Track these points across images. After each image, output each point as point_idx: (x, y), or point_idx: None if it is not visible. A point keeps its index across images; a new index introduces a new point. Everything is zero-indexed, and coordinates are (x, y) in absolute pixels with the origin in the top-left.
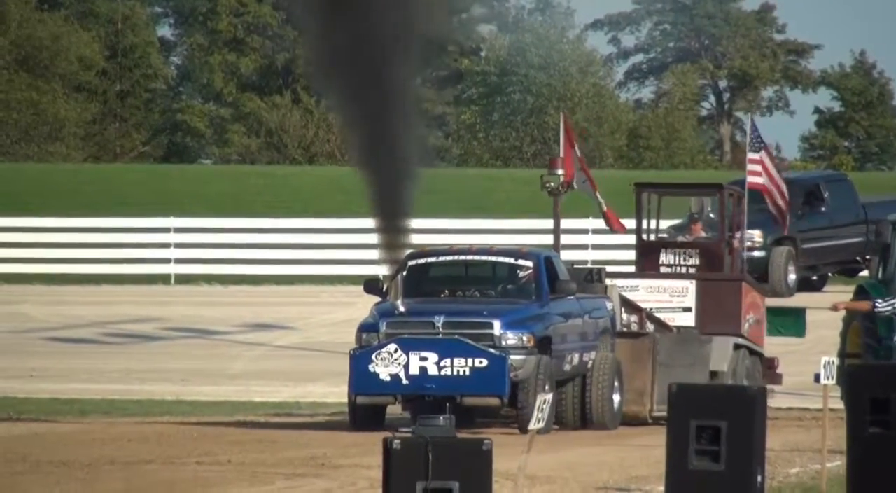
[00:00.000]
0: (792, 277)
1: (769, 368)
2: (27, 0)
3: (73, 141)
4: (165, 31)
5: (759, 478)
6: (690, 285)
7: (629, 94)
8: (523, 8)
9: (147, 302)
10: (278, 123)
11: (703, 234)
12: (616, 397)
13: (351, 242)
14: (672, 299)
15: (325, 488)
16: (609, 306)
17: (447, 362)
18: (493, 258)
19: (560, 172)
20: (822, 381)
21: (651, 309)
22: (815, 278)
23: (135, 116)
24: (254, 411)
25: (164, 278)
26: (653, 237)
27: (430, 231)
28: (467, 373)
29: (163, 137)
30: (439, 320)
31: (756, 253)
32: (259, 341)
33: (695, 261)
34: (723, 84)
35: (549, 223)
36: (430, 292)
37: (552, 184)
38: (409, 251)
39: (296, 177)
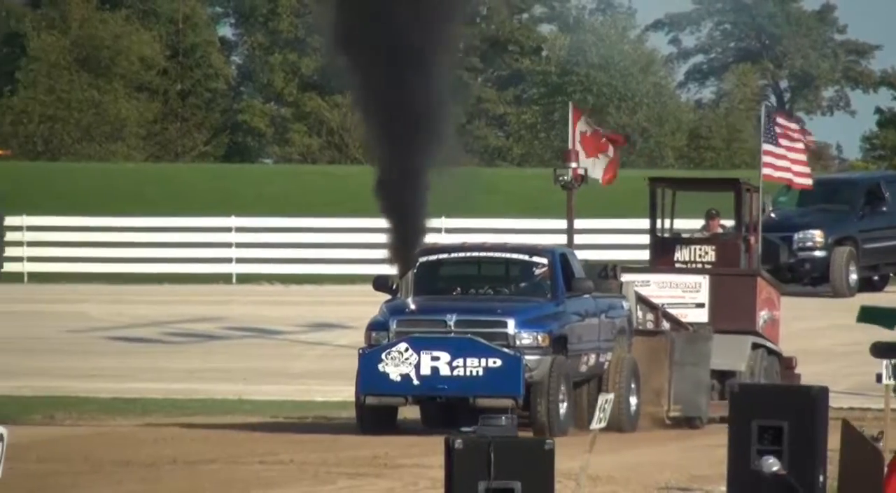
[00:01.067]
0: (853, 277)
1: (788, 367)
2: (89, 0)
3: (134, 140)
4: (226, 30)
5: (820, 478)
6: (703, 281)
7: (690, 94)
8: (584, 8)
9: (208, 301)
10: (339, 122)
11: (720, 230)
12: (633, 400)
13: None
14: (685, 294)
15: (388, 487)
16: (626, 305)
17: (460, 361)
18: (507, 255)
19: (573, 165)
20: (884, 381)
21: (663, 305)
22: (876, 278)
23: (195, 115)
24: (315, 410)
25: (225, 278)
26: (667, 234)
27: (491, 231)
28: (481, 373)
29: (223, 136)
30: (451, 319)
31: (817, 253)
32: (320, 341)
33: (711, 258)
34: (783, 84)
35: (600, 223)
36: (441, 290)
37: (565, 177)
38: (420, 248)
39: (356, 176)
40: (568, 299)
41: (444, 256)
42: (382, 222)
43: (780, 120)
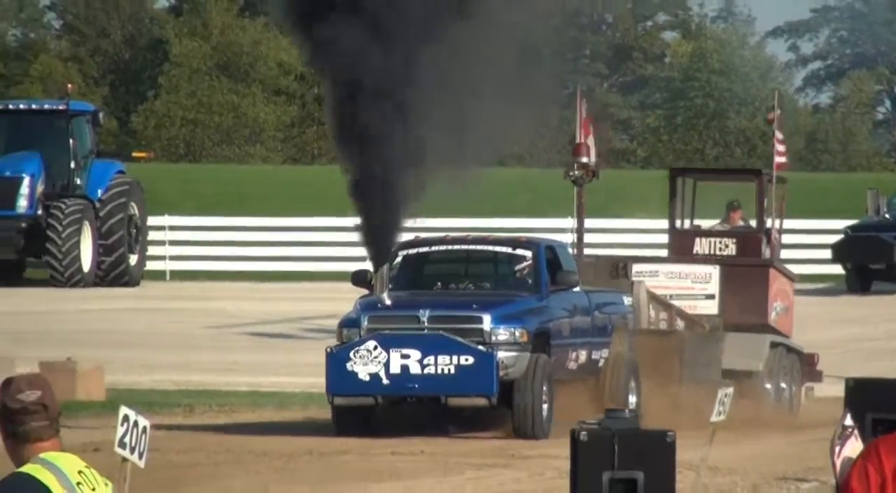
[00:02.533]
0: None
1: (809, 365)
2: (228, 8)
3: (271, 143)
4: None
5: None
6: (714, 271)
7: (807, 99)
8: (706, 16)
9: (341, 299)
10: None
11: (741, 223)
12: (633, 398)
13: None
14: (694, 285)
15: (515, 478)
16: (626, 300)
17: (431, 359)
18: (490, 248)
19: (584, 160)
20: None
21: (670, 296)
22: None
23: None
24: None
25: None
26: (687, 225)
27: (611, 231)
28: (452, 371)
29: None
30: (425, 315)
31: None
32: None
33: (731, 251)
34: None
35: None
36: (422, 285)
37: (576, 172)
38: (400, 241)
39: (485, 178)
40: (553, 293)
41: (425, 249)
42: (512, 223)
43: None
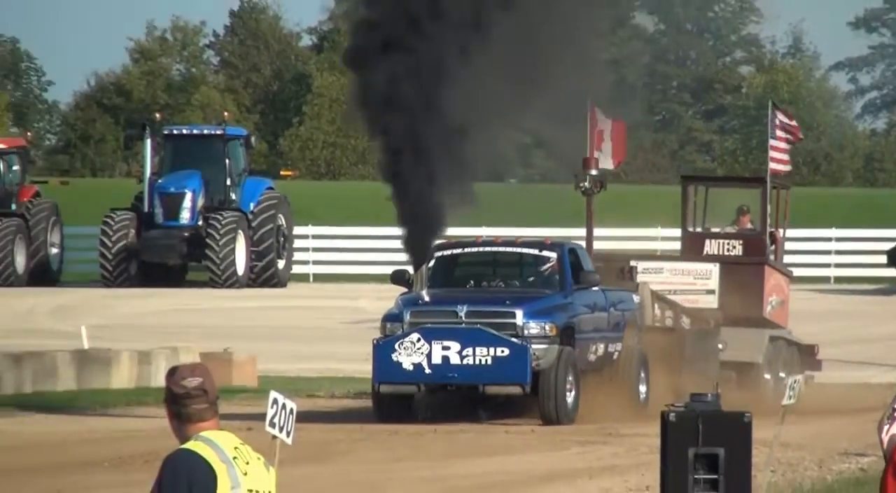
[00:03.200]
0: None
1: (809, 355)
2: None
3: None
4: None
5: None
6: (714, 269)
7: (866, 124)
8: (777, 52)
9: None
10: None
11: (749, 226)
12: (643, 388)
13: None
14: (696, 281)
15: (613, 452)
16: (636, 299)
17: (469, 351)
18: (518, 249)
19: (594, 172)
20: None
21: (674, 291)
22: None
23: None
24: None
25: None
26: (699, 229)
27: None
28: (489, 362)
29: None
30: (462, 310)
31: None
32: None
33: (738, 252)
34: None
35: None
36: (455, 283)
37: (586, 184)
38: (436, 243)
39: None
40: (576, 291)
41: (459, 250)
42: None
43: (780, 116)
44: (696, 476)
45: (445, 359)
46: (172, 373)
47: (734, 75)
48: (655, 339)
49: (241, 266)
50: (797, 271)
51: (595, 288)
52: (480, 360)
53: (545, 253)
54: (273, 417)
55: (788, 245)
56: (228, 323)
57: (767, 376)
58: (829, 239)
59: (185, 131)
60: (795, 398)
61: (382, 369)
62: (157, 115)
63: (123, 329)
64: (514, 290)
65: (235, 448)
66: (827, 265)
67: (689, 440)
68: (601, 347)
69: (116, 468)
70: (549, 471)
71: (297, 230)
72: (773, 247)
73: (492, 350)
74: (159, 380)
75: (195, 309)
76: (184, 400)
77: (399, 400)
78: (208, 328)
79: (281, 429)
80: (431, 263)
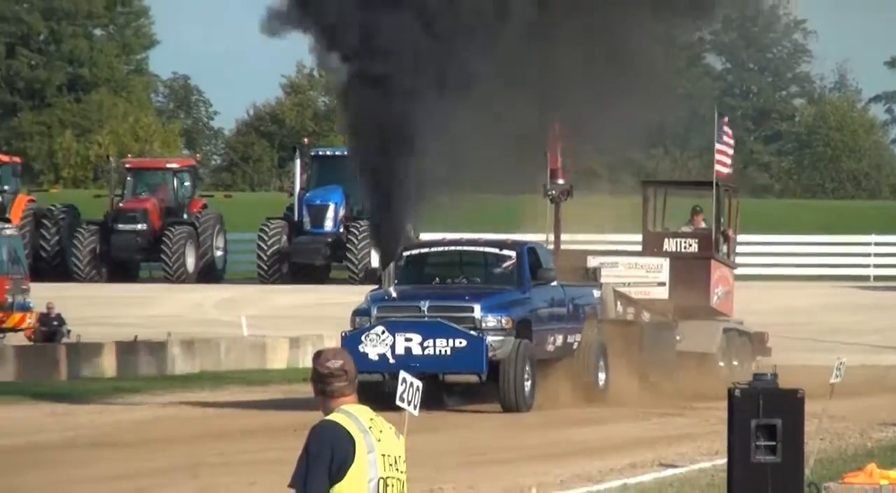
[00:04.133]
0: None
1: (760, 342)
2: None
3: None
4: None
5: None
6: (664, 263)
7: None
8: (825, 87)
9: None
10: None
11: (703, 225)
12: (602, 375)
13: None
14: (648, 274)
15: (689, 423)
16: (596, 294)
17: (430, 342)
18: (480, 249)
19: (561, 181)
20: None
21: (628, 284)
22: None
23: None
24: None
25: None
26: (658, 228)
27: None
28: (448, 353)
29: None
30: (425, 305)
31: None
32: None
33: (694, 249)
34: None
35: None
36: (423, 280)
37: (554, 192)
38: (405, 244)
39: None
40: (534, 287)
41: (426, 250)
42: None
43: (725, 126)
44: (757, 443)
45: (408, 350)
46: (318, 356)
47: (789, 106)
48: (616, 331)
49: (375, 265)
50: (842, 271)
51: (554, 284)
52: (440, 351)
53: (505, 252)
54: (402, 393)
55: (838, 249)
56: None
57: (722, 364)
58: (869, 243)
59: (328, 153)
60: (841, 377)
61: None
62: (306, 139)
63: (277, 319)
64: (475, 286)
65: (371, 419)
66: (867, 266)
67: (751, 412)
68: (560, 338)
69: (271, 437)
70: (634, 438)
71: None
72: (725, 244)
73: (451, 342)
74: (307, 362)
75: (337, 303)
76: (327, 379)
77: (372, 389)
78: (346, 318)
79: (409, 403)
80: (401, 262)
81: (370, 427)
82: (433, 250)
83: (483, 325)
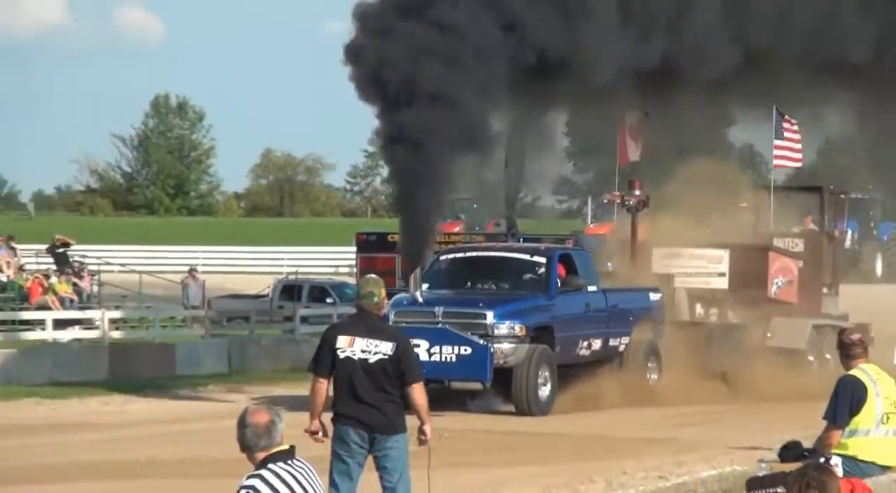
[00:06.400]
0: None
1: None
2: None
3: None
4: None
5: None
6: (725, 254)
7: None
8: None
9: None
10: None
11: (812, 226)
12: (653, 376)
13: None
14: (709, 265)
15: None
16: (653, 297)
17: (437, 349)
18: (510, 255)
19: (637, 192)
20: None
21: (690, 274)
22: None
23: None
24: None
25: None
26: (768, 230)
27: None
28: (454, 359)
29: None
30: (439, 311)
31: None
32: None
33: (800, 249)
34: None
35: None
36: (453, 285)
37: (631, 202)
38: (443, 248)
39: None
40: (564, 294)
41: (461, 254)
42: None
43: (785, 121)
44: None
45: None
46: (842, 332)
47: None
48: (681, 332)
49: None
50: None
51: (593, 289)
52: (446, 357)
53: (535, 258)
54: None
55: None
56: None
57: (812, 359)
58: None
59: None
60: None
61: None
62: None
63: None
64: (494, 292)
65: (877, 373)
66: None
67: None
68: (597, 342)
69: None
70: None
71: None
72: (831, 244)
73: (456, 349)
74: None
75: None
76: (850, 348)
77: None
78: None
79: None
80: (434, 266)
81: (877, 379)
82: (467, 254)
83: (495, 332)
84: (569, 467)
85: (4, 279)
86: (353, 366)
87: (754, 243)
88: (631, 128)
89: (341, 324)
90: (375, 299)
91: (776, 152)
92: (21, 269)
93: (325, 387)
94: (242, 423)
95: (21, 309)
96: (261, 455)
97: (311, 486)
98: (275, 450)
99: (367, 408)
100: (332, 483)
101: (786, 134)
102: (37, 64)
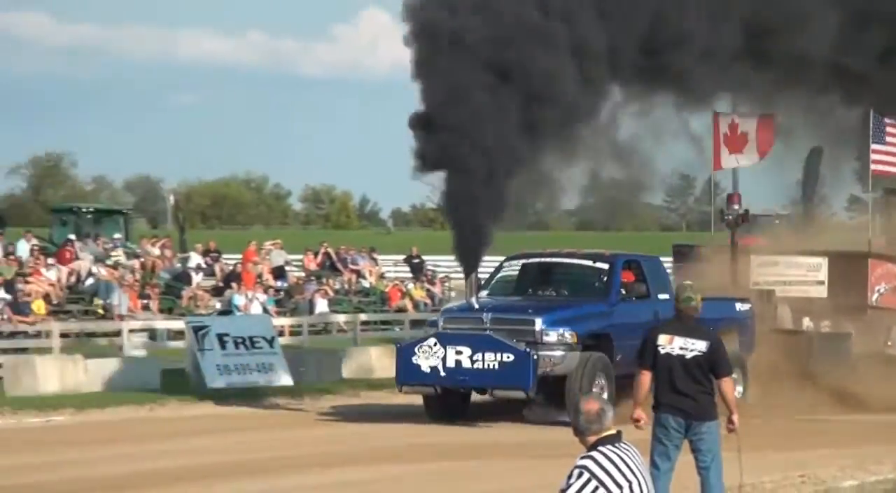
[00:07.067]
0: None
1: None
2: None
3: None
4: None
5: None
6: (823, 262)
7: None
8: None
9: None
10: None
11: None
12: (738, 389)
13: None
14: (807, 273)
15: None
16: (739, 307)
17: (479, 356)
18: (573, 261)
19: (736, 207)
20: None
21: (788, 283)
22: None
23: None
24: None
25: None
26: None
27: None
28: (496, 367)
29: None
30: (487, 318)
31: None
32: None
33: None
34: None
35: None
36: (515, 292)
37: (731, 216)
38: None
39: None
40: (625, 301)
41: (525, 260)
42: None
43: (887, 120)
44: None
45: (458, 363)
46: None
47: None
48: (782, 341)
49: None
50: None
51: (663, 297)
52: (489, 365)
53: (598, 265)
54: None
55: None
56: None
57: None
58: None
59: None
60: None
61: (403, 371)
62: None
63: None
64: (553, 299)
65: None
66: None
67: None
68: None
69: None
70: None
71: None
72: None
73: (499, 356)
74: None
75: None
76: None
77: (450, 400)
78: None
79: None
80: (498, 273)
81: None
82: (528, 261)
83: (543, 339)
84: (859, 451)
85: (367, 285)
86: (672, 361)
87: (853, 250)
88: (747, 127)
89: (663, 325)
90: (693, 302)
91: (874, 157)
92: (381, 276)
93: (648, 379)
94: (577, 410)
95: (381, 311)
96: (591, 439)
97: (636, 466)
98: (604, 434)
99: (685, 398)
100: (653, 463)
101: (888, 138)
102: None
